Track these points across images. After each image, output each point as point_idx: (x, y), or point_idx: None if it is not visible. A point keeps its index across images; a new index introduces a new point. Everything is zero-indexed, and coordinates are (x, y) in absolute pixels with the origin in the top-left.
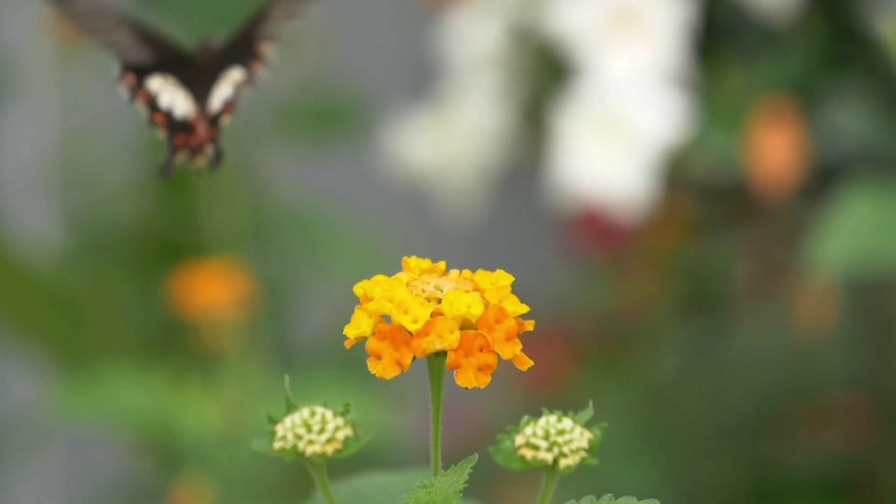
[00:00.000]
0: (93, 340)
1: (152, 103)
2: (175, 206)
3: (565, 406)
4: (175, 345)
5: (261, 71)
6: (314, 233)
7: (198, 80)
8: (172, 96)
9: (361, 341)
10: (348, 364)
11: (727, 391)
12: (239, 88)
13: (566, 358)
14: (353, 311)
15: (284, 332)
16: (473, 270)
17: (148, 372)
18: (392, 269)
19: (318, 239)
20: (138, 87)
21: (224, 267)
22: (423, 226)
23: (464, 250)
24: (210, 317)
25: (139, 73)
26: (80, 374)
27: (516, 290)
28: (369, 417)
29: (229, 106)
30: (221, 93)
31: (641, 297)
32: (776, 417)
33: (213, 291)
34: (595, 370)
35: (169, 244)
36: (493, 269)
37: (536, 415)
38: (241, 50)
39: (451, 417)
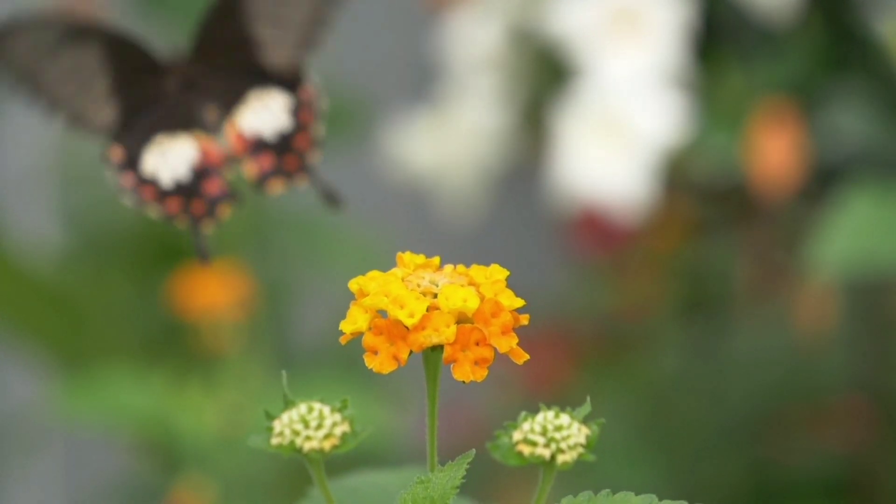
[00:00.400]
0: (92, 341)
1: (156, 191)
2: None
3: (563, 405)
4: (175, 346)
5: (313, 97)
6: (314, 234)
7: (193, 105)
8: (174, 152)
9: (358, 336)
10: (348, 365)
11: (727, 392)
12: (298, 116)
13: (566, 359)
14: None
15: (284, 333)
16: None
17: (148, 373)
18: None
19: (318, 240)
20: (130, 170)
21: (224, 268)
22: (422, 227)
23: (464, 251)
24: (210, 318)
25: (130, 148)
26: (80, 375)
27: (516, 290)
28: (369, 418)
29: (301, 139)
30: (265, 122)
31: (641, 299)
32: (776, 418)
33: (212, 293)
34: (595, 371)
35: (168, 245)
36: None
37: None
38: (244, 62)
39: (450, 418)
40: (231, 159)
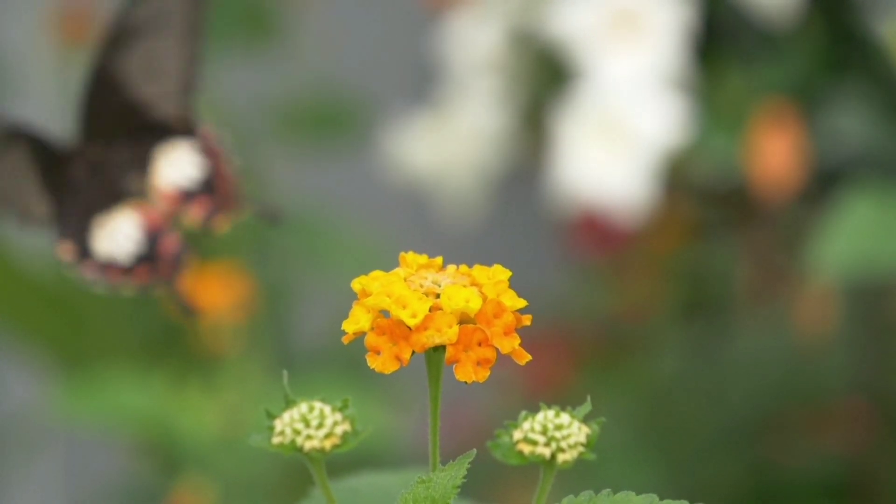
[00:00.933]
0: (93, 342)
1: (119, 270)
2: None
3: (563, 407)
4: (175, 347)
5: (213, 136)
6: (314, 236)
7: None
8: (118, 228)
9: (360, 337)
10: (348, 366)
11: (727, 394)
12: (209, 158)
13: (566, 361)
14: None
15: (284, 334)
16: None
17: (148, 374)
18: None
19: (319, 242)
20: (86, 260)
21: (224, 270)
22: (422, 229)
23: (464, 253)
24: (210, 319)
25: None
26: (80, 377)
27: (516, 292)
28: (369, 419)
29: (221, 177)
30: (182, 173)
31: (641, 300)
32: (776, 420)
33: (213, 294)
34: (595, 373)
35: None
36: None
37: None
38: (138, 118)
39: (451, 421)
40: (171, 215)
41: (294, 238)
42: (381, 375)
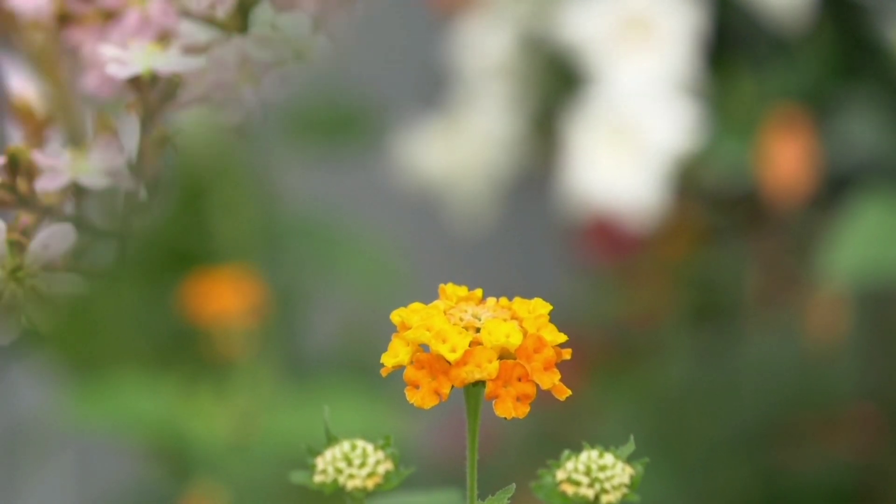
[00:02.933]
0: (103, 347)
1: None
2: (186, 213)
3: (572, 414)
4: (186, 352)
5: None
6: (325, 241)
7: None
8: None
9: (399, 370)
10: (359, 372)
11: (737, 401)
12: None
13: (575, 367)
14: (363, 319)
15: (296, 339)
16: (483, 279)
17: (159, 379)
18: (401, 278)
19: (330, 247)
20: None
21: (235, 275)
22: (433, 234)
23: (474, 259)
24: (221, 324)
25: None
26: (91, 381)
27: (525, 297)
28: (379, 426)
29: None
30: None
31: (651, 307)
32: (786, 427)
33: (224, 299)
34: (604, 379)
35: (180, 252)
36: (502, 278)
37: (543, 425)
38: None
39: (459, 428)
40: None
41: (305, 243)
42: (391, 380)
